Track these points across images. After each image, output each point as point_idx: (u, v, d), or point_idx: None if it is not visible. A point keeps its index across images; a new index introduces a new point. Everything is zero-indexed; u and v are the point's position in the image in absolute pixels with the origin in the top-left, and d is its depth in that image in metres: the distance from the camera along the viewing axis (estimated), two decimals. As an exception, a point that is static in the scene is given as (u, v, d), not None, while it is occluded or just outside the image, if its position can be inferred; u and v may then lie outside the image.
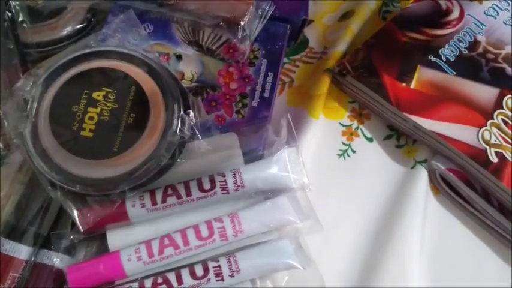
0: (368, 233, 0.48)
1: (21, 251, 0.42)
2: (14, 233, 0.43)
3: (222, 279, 0.40)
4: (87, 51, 0.44)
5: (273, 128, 0.46)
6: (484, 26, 0.55)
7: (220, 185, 0.42)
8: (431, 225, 0.48)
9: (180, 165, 0.42)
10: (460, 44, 0.53)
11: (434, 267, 0.47)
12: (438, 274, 0.47)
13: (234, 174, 0.42)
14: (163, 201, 0.41)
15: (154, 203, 0.41)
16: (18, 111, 0.42)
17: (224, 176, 0.42)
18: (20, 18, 0.48)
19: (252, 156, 0.44)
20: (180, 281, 0.40)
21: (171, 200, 0.41)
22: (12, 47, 0.46)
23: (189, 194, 0.42)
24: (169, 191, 0.42)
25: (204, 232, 0.41)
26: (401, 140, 0.52)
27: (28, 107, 0.42)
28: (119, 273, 0.40)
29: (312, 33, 0.57)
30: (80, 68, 0.43)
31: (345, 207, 0.48)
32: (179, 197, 0.41)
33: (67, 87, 0.42)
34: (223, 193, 0.42)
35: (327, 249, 0.47)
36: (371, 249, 0.47)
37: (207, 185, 0.42)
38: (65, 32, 0.48)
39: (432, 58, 0.52)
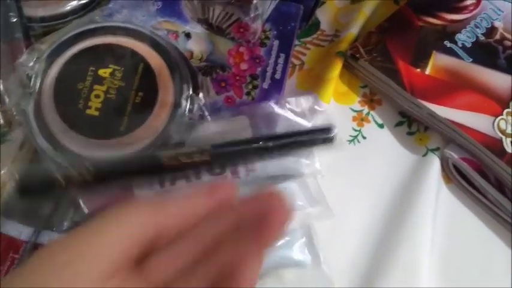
0: (378, 221, 0.47)
1: (22, 232, 0.41)
2: (15, 213, 0.41)
3: (238, 176, 0.40)
4: (92, 26, 0.43)
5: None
6: (502, 12, 0.53)
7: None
8: (442, 214, 0.47)
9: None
10: (477, 30, 0.52)
11: (445, 257, 0.46)
12: (449, 263, 0.46)
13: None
14: (172, 183, 0.40)
15: (162, 184, 0.40)
16: (20, 88, 0.41)
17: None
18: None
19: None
20: (198, 176, 0.39)
21: (180, 182, 0.40)
22: (15, 20, 0.44)
23: (199, 177, 0.40)
24: (179, 173, 0.40)
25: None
26: (412, 126, 0.51)
27: (31, 83, 0.40)
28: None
29: (323, 16, 0.56)
30: (86, 44, 0.42)
31: (354, 194, 0.47)
32: (188, 179, 0.40)
33: (72, 63, 0.40)
34: (234, 177, 0.41)
35: (337, 236, 0.46)
36: (381, 237, 0.46)
37: (217, 169, 0.41)
38: (70, 7, 0.46)
39: (448, 44, 0.51)
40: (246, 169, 0.41)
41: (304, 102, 0.44)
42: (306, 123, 0.43)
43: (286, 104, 0.43)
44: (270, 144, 0.38)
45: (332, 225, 0.44)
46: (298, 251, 0.41)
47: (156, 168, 0.37)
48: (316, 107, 0.44)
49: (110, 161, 0.38)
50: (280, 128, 0.42)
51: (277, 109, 0.43)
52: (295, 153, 0.41)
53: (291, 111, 0.43)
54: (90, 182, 0.36)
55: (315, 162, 0.42)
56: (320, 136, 0.40)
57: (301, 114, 0.43)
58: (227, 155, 0.38)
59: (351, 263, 0.45)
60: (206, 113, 0.42)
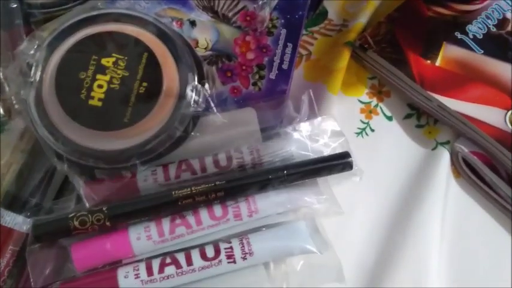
0: (386, 215, 0.46)
1: (22, 223, 0.40)
2: (15, 204, 0.40)
3: (234, 262, 0.38)
4: (95, 13, 0.41)
5: (292, 103, 0.43)
6: (514, 2, 0.52)
7: (237, 161, 0.40)
8: (451, 209, 0.46)
9: (195, 139, 0.40)
10: (488, 21, 0.50)
11: (455, 252, 0.45)
12: (458, 259, 0.45)
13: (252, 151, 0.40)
14: (177, 176, 0.39)
15: (167, 178, 0.39)
16: (20, 76, 0.39)
17: (241, 152, 0.40)
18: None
19: (270, 133, 0.42)
20: (189, 261, 0.37)
21: (185, 175, 0.39)
22: (15, 6, 0.43)
23: (204, 170, 0.39)
24: (184, 167, 0.39)
25: (218, 211, 0.38)
26: (421, 119, 0.50)
27: (32, 72, 0.39)
28: (126, 252, 0.37)
29: (331, 5, 0.54)
30: (88, 32, 0.40)
31: (362, 188, 0.46)
32: (194, 172, 0.39)
33: (74, 51, 0.39)
34: (240, 170, 0.40)
35: (344, 231, 0.45)
36: (389, 232, 0.45)
37: (223, 162, 0.40)
38: (71, -8, 0.45)
39: (459, 35, 0.49)
40: (253, 161, 0.40)
41: (321, 123, 0.43)
42: (323, 148, 0.42)
43: (302, 128, 0.42)
44: (285, 174, 0.39)
45: (339, 219, 0.43)
46: (304, 239, 0.39)
47: (170, 207, 0.38)
48: (333, 127, 0.43)
49: (125, 203, 0.38)
50: (295, 152, 0.41)
51: (292, 132, 0.42)
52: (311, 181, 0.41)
53: (307, 137, 0.42)
54: (105, 225, 0.37)
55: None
56: (337, 163, 0.39)
57: (317, 137, 0.42)
58: (242, 188, 0.38)
59: (359, 259, 0.44)
60: (212, 104, 0.41)
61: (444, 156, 0.48)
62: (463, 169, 0.47)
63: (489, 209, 0.47)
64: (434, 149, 0.48)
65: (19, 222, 0.40)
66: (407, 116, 0.50)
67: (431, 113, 0.48)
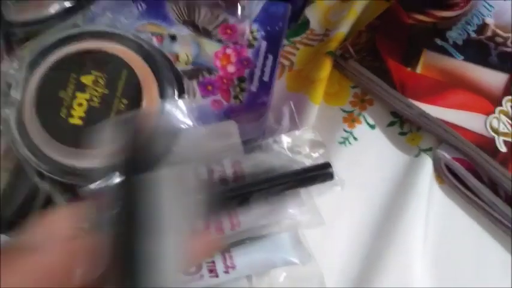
0: (370, 224, 0.46)
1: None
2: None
3: (216, 276, 0.38)
4: (74, 31, 0.42)
5: (273, 115, 0.44)
6: (493, 8, 0.52)
7: (219, 174, 0.40)
8: (435, 215, 0.47)
9: (176, 153, 0.40)
10: (468, 26, 0.51)
11: (438, 257, 0.45)
12: (441, 265, 0.45)
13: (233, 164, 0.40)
14: None
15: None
16: (1, 96, 0.40)
17: (223, 165, 0.40)
18: (6, -5, 0.45)
19: (251, 145, 0.42)
20: None
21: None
22: (-5, 25, 0.43)
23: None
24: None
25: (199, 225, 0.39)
26: (404, 127, 0.50)
27: (12, 91, 0.39)
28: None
29: (313, 14, 0.54)
30: (67, 50, 0.41)
31: (346, 197, 0.46)
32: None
33: (53, 70, 0.39)
34: (221, 183, 0.40)
35: (327, 241, 0.45)
36: (373, 240, 0.45)
37: (204, 176, 0.40)
38: (53, 11, 0.45)
39: (439, 41, 0.50)
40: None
41: (302, 134, 0.43)
42: (304, 159, 0.42)
43: (283, 140, 0.42)
44: (267, 187, 0.39)
45: (323, 229, 0.43)
46: (286, 251, 0.40)
47: None
48: (314, 138, 0.43)
49: None
50: (276, 164, 0.41)
51: (273, 145, 0.42)
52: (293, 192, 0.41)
53: (289, 149, 0.42)
54: None
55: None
56: (318, 173, 0.40)
57: (299, 149, 0.43)
58: (224, 202, 0.38)
59: (343, 266, 0.44)
60: (193, 118, 0.41)
61: (427, 163, 0.48)
62: (446, 175, 0.47)
63: (472, 214, 0.47)
64: (417, 156, 0.48)
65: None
66: (391, 124, 0.50)
67: (413, 120, 0.48)
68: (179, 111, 0.40)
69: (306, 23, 0.54)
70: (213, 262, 0.38)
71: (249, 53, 0.46)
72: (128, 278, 0.23)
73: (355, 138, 0.49)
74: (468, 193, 0.47)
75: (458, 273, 0.45)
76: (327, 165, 0.41)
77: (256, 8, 0.46)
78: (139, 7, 0.46)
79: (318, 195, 0.42)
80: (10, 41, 0.44)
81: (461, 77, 0.48)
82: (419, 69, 0.49)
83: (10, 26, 0.44)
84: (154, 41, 0.44)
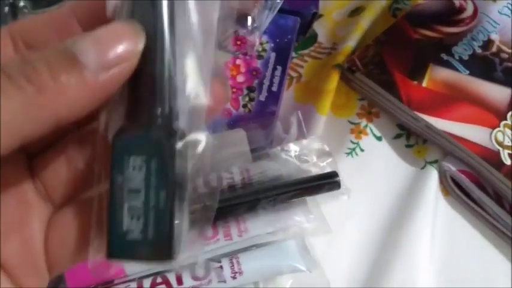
0: (376, 233, 0.46)
1: None
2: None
3: (224, 281, 0.38)
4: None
5: (281, 124, 0.44)
6: (498, 24, 0.53)
7: (228, 181, 0.40)
8: (440, 227, 0.47)
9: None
10: (474, 42, 0.52)
11: (443, 270, 0.46)
12: (447, 277, 0.45)
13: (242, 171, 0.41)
14: None
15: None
16: None
17: (231, 172, 0.41)
18: (21, 4, 0.46)
19: (259, 153, 0.43)
20: (180, 281, 0.38)
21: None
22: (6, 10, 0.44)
23: (195, 190, 0.40)
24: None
25: (208, 231, 0.39)
26: (411, 139, 0.51)
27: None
28: (118, 272, 0.38)
29: (321, 28, 0.56)
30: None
31: (352, 206, 0.47)
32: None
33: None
34: (230, 190, 0.40)
35: (334, 250, 0.45)
36: (379, 251, 0.46)
37: (213, 182, 0.40)
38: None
39: (445, 56, 0.51)
40: (242, 181, 0.40)
41: (310, 143, 0.44)
42: (312, 168, 0.43)
43: (291, 149, 0.43)
44: (275, 194, 0.39)
45: (329, 238, 0.44)
46: (293, 258, 0.40)
47: None
48: (321, 148, 0.44)
49: None
50: (284, 172, 0.42)
51: (281, 153, 0.43)
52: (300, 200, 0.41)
53: (296, 158, 0.43)
54: None
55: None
56: (325, 182, 0.40)
57: (306, 158, 0.43)
58: (232, 209, 0.39)
59: (349, 274, 0.45)
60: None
61: (433, 175, 0.48)
62: (452, 187, 0.48)
63: (478, 227, 0.47)
64: (423, 168, 0.49)
65: None
66: (397, 136, 0.51)
67: (419, 132, 0.49)
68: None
69: (314, 36, 0.55)
70: (221, 267, 0.38)
71: (258, 63, 0.47)
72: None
73: (361, 150, 0.50)
74: (473, 205, 0.47)
75: (463, 284, 0.45)
76: (334, 174, 0.41)
77: (266, 20, 0.47)
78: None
79: (324, 203, 0.43)
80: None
81: (467, 91, 0.49)
82: (425, 83, 0.49)
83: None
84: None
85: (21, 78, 0.17)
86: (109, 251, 0.20)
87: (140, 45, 0.19)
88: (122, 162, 0.20)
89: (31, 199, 0.22)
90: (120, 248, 0.20)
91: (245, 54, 0.47)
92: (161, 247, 0.20)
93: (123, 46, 0.19)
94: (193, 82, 0.22)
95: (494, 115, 0.48)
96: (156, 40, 0.20)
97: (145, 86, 0.20)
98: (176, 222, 0.20)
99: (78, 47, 0.18)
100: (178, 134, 0.20)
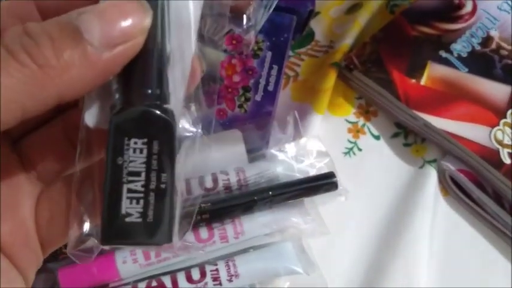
0: (374, 234, 0.46)
1: None
2: None
3: (220, 284, 0.38)
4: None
5: (277, 124, 0.44)
6: (497, 21, 0.52)
7: (223, 182, 0.40)
8: (439, 227, 0.47)
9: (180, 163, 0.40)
10: (473, 39, 0.51)
11: (443, 270, 0.45)
12: (446, 277, 0.45)
13: (238, 172, 0.40)
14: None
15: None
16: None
17: (227, 174, 0.40)
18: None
19: (256, 154, 0.42)
20: (175, 284, 0.38)
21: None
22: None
23: (189, 192, 0.39)
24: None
25: (204, 234, 0.39)
26: (409, 138, 0.50)
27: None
28: (113, 275, 0.38)
29: (318, 26, 0.55)
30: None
31: (350, 207, 0.46)
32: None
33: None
34: (226, 191, 0.40)
35: (331, 250, 0.45)
36: (377, 251, 0.45)
37: (209, 184, 0.40)
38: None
39: (443, 54, 0.50)
40: (238, 183, 0.40)
41: (306, 144, 0.43)
42: (309, 168, 0.42)
43: (287, 149, 0.43)
44: (271, 195, 0.39)
45: (327, 239, 0.43)
46: (290, 260, 0.40)
47: None
48: (318, 148, 0.44)
49: None
50: (280, 173, 0.41)
51: (277, 154, 0.42)
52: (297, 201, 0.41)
53: (293, 158, 0.42)
54: None
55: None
56: (322, 183, 0.40)
57: (303, 158, 0.43)
58: (228, 210, 0.38)
59: (347, 275, 0.44)
60: (198, 127, 0.41)
61: (432, 175, 0.48)
62: (451, 187, 0.47)
63: (477, 226, 0.47)
64: (421, 167, 0.48)
65: None
66: (395, 135, 0.50)
67: (418, 131, 0.49)
68: (184, 119, 0.40)
69: (311, 34, 0.54)
70: (217, 270, 0.38)
71: (254, 63, 0.46)
72: None
73: (359, 149, 0.49)
74: (472, 205, 0.47)
75: (463, 284, 0.45)
76: (331, 175, 0.41)
77: (262, 19, 0.46)
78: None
79: (322, 204, 0.42)
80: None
81: (466, 89, 0.49)
82: (423, 81, 0.49)
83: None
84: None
85: (23, 53, 0.17)
86: (105, 235, 0.20)
87: (148, 21, 0.19)
88: (121, 144, 0.19)
89: (20, 179, 0.22)
90: (117, 231, 0.20)
91: (241, 53, 0.46)
92: (160, 230, 0.20)
93: (129, 22, 0.18)
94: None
95: (493, 113, 0.47)
96: (156, 16, 0.19)
97: (144, 67, 0.20)
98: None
99: (83, 21, 0.17)
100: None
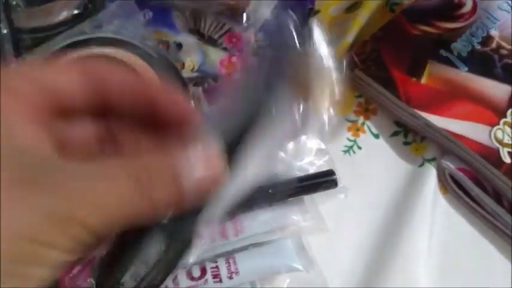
0: (374, 232, 0.46)
1: None
2: None
3: (220, 281, 0.38)
4: (82, 38, 0.42)
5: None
6: (498, 20, 0.52)
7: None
8: (439, 225, 0.46)
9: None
10: (473, 38, 0.51)
11: (442, 268, 0.45)
12: (446, 275, 0.45)
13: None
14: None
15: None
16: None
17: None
18: (14, 2, 0.45)
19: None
20: (175, 281, 0.38)
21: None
22: (5, 31, 0.44)
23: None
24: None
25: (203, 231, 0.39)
26: (408, 136, 0.50)
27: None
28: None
29: (317, 24, 0.55)
30: (75, 56, 0.41)
31: (350, 205, 0.46)
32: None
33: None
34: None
35: (331, 249, 0.45)
36: (377, 249, 0.45)
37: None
38: (61, 17, 0.46)
39: (443, 53, 0.50)
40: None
41: (306, 142, 0.43)
42: (308, 166, 0.42)
43: (287, 147, 0.43)
44: (271, 193, 0.39)
45: (327, 236, 0.43)
46: (290, 257, 0.40)
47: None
48: (318, 146, 0.44)
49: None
50: (280, 170, 0.41)
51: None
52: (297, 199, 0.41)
53: (293, 156, 0.42)
54: None
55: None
56: (322, 180, 0.40)
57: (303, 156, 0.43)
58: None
59: (346, 272, 0.44)
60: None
61: (431, 173, 0.48)
62: (450, 185, 0.47)
63: (476, 225, 0.47)
64: (421, 165, 0.48)
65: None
66: (395, 134, 0.50)
67: (418, 130, 0.49)
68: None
69: (311, 33, 0.54)
70: (217, 267, 0.38)
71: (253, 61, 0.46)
72: None
73: (359, 147, 0.49)
74: (472, 203, 0.47)
75: (462, 283, 0.45)
76: (330, 173, 0.41)
77: (261, 17, 0.46)
78: (146, 15, 0.46)
79: (321, 202, 0.42)
80: (19, 47, 0.45)
81: (466, 88, 0.49)
82: (424, 80, 0.49)
83: (19, 32, 0.45)
84: (161, 49, 0.45)
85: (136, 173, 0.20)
86: None
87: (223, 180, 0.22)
88: None
89: None
90: None
91: (240, 51, 0.46)
92: None
93: (215, 179, 0.22)
94: None
95: (493, 113, 0.47)
96: None
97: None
98: None
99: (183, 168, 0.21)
100: None
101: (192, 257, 0.37)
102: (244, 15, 0.45)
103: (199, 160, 0.21)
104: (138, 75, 0.26)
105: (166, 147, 0.21)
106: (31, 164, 0.19)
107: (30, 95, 0.21)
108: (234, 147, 0.23)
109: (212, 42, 0.46)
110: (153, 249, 0.23)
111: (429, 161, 0.48)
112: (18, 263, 0.18)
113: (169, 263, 0.24)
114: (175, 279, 0.38)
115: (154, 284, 0.23)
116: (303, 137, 0.43)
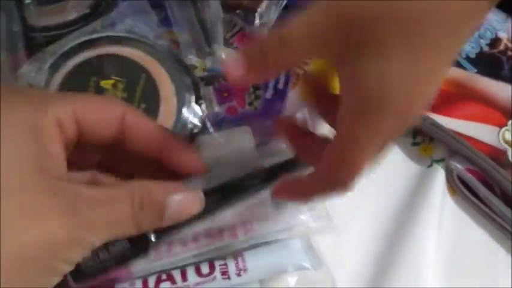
0: (381, 233, 0.46)
1: None
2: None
3: (229, 278, 0.38)
4: (95, 36, 0.43)
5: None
6: (506, 23, 0.53)
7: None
8: (447, 226, 0.47)
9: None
10: (481, 40, 0.51)
11: (450, 269, 0.45)
12: (454, 276, 0.45)
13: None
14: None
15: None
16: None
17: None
18: (27, 0, 0.46)
19: (265, 151, 0.42)
20: (184, 277, 0.38)
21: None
22: (17, 30, 0.44)
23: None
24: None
25: (214, 233, 0.39)
26: (417, 137, 0.50)
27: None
28: (124, 270, 0.38)
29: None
30: (88, 54, 0.41)
31: (357, 205, 0.46)
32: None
33: (74, 74, 0.40)
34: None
35: (339, 247, 0.45)
36: (385, 248, 0.45)
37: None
38: (73, 16, 0.46)
39: (452, 54, 0.50)
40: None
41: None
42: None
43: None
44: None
45: (334, 237, 0.44)
46: (298, 256, 0.40)
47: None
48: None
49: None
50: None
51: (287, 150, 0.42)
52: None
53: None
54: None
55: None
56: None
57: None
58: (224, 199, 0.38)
59: (354, 271, 0.44)
60: (209, 124, 0.42)
61: (439, 174, 0.48)
62: (458, 186, 0.47)
63: (485, 226, 0.47)
64: (429, 166, 0.49)
65: None
66: (403, 134, 0.50)
67: (426, 131, 0.49)
68: (196, 117, 0.41)
69: (321, 33, 0.55)
70: (226, 264, 0.38)
71: (264, 61, 0.46)
72: None
73: (367, 148, 0.49)
74: (480, 204, 0.47)
75: (470, 284, 0.45)
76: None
77: (273, 17, 0.46)
78: (159, 15, 0.47)
79: (329, 202, 0.42)
80: (31, 45, 0.45)
81: (474, 90, 0.49)
82: (432, 81, 0.49)
83: (31, 30, 0.45)
84: (172, 48, 0.45)
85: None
86: None
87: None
88: None
89: None
90: None
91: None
92: None
93: (190, 212, 0.27)
94: None
95: (502, 114, 0.48)
96: None
97: None
98: None
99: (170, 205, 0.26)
100: None
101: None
102: (256, 15, 0.45)
103: (183, 204, 0.26)
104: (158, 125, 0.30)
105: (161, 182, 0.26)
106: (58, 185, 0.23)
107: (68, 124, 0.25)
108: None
109: (224, 41, 0.47)
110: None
111: (437, 161, 0.49)
112: (43, 276, 0.23)
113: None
114: (184, 275, 0.38)
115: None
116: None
